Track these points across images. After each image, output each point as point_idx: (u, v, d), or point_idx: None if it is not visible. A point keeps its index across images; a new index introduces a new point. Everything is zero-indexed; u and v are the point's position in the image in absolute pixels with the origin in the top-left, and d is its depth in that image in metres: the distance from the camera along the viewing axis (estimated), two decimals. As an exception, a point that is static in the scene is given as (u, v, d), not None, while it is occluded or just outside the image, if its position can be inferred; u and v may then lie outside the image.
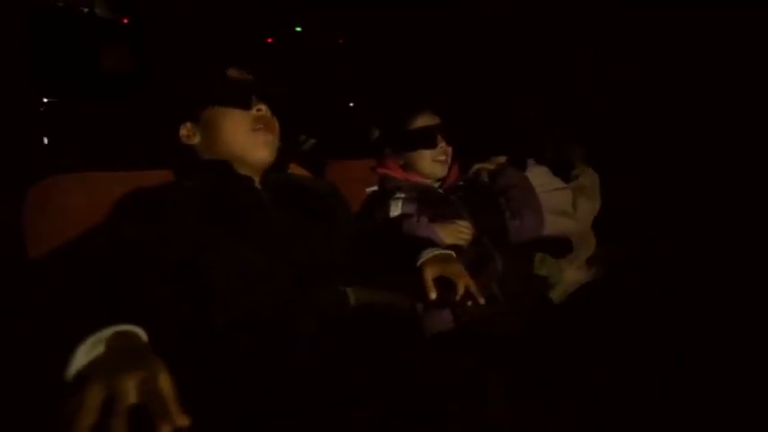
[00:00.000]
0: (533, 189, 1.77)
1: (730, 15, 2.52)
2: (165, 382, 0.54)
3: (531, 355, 1.26)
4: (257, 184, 0.98)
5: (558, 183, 1.97)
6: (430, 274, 0.94)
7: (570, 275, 1.87)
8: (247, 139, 0.95)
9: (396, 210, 1.43)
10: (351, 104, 4.43)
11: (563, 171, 2.01)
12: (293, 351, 0.83)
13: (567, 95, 2.99)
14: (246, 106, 0.95)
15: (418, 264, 0.97)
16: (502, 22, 3.56)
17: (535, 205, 1.69)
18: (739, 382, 1.24)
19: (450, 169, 1.59)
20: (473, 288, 0.94)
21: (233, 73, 0.98)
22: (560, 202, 1.95)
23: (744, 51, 2.51)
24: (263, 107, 0.98)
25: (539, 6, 3.32)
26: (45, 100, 2.99)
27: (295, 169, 1.22)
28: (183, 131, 0.99)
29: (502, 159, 1.78)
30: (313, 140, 3.31)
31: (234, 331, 0.82)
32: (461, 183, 1.62)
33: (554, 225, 1.88)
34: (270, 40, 4.37)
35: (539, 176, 1.92)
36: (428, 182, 1.57)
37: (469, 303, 0.94)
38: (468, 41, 3.70)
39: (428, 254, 0.98)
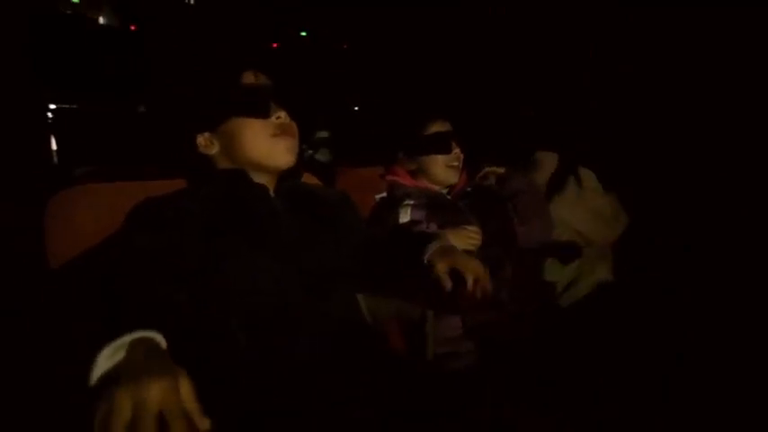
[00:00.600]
0: (542, 194, 1.77)
1: (730, 15, 2.52)
2: (186, 389, 0.57)
3: (534, 356, 1.27)
4: (271, 193, 0.98)
5: (601, 188, 2.00)
6: (442, 268, 0.94)
7: (600, 273, 1.89)
8: (269, 146, 0.95)
9: (405, 216, 1.44)
10: (355, 108, 4.44)
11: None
12: (297, 355, 0.85)
13: (567, 95, 3.00)
14: (265, 115, 0.95)
15: (425, 259, 0.97)
16: (502, 23, 3.57)
17: (543, 211, 1.70)
18: (739, 382, 1.25)
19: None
20: (484, 279, 0.94)
21: (248, 79, 0.97)
22: (604, 207, 1.97)
23: (744, 51, 2.51)
24: (283, 113, 0.97)
25: (539, 6, 3.33)
26: (53, 106, 3.02)
27: (307, 178, 1.23)
28: (201, 141, 0.98)
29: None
30: (311, 151, 3.31)
31: (244, 335, 0.83)
32: (470, 189, 1.63)
33: (591, 228, 1.90)
34: (275, 45, 4.39)
35: (591, 179, 1.95)
36: (437, 188, 1.58)
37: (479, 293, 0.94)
38: (468, 43, 3.71)
39: (432, 247, 0.99)
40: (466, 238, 1.39)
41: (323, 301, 0.90)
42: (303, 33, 4.54)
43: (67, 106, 3.05)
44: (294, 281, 0.89)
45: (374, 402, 0.82)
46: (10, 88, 2.69)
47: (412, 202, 1.46)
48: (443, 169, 1.53)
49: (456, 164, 1.54)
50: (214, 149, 0.98)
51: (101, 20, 3.36)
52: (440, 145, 1.51)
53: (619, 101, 2.83)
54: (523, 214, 1.61)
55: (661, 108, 2.71)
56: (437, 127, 1.54)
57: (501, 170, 1.74)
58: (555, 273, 1.82)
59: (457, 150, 1.54)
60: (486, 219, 1.50)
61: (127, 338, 0.61)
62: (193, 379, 0.84)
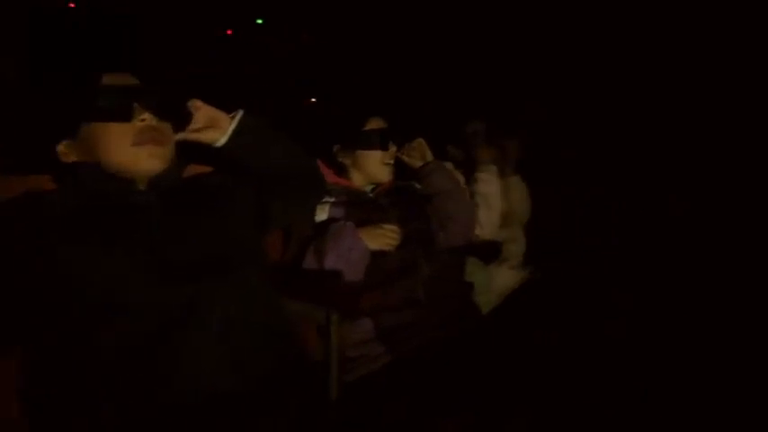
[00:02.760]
0: (464, 194, 1.72)
1: (730, 15, 2.52)
2: None
3: (534, 356, 1.24)
4: (141, 187, 0.89)
5: (487, 174, 1.90)
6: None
7: (501, 279, 1.84)
8: (130, 155, 0.85)
9: (323, 214, 1.42)
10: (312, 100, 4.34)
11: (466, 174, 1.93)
12: (176, 391, 0.75)
13: (567, 96, 2.99)
14: (126, 119, 0.85)
15: None
16: (502, 22, 3.57)
17: (466, 211, 1.67)
18: (739, 382, 1.23)
19: None
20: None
21: (109, 80, 0.87)
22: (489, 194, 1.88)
23: (744, 51, 2.51)
24: (147, 116, 0.86)
25: (539, 6, 3.33)
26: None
27: (193, 168, 1.09)
28: (61, 148, 0.89)
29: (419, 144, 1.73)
30: None
31: (119, 351, 0.75)
32: (393, 188, 1.61)
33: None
34: (229, 32, 4.29)
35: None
36: (359, 186, 1.56)
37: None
38: (467, 42, 3.71)
39: None
40: (382, 236, 1.38)
41: (210, 314, 0.79)
42: (259, 21, 4.39)
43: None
44: (175, 280, 0.79)
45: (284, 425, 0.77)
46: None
47: (331, 200, 1.44)
48: (378, 166, 1.52)
49: (391, 162, 1.54)
50: (72, 158, 0.89)
51: None
52: (379, 141, 1.51)
53: (619, 101, 2.83)
54: (442, 217, 1.59)
55: (661, 108, 2.70)
56: (375, 123, 1.53)
57: (429, 155, 1.67)
58: (476, 273, 1.72)
59: (393, 148, 1.54)
60: (406, 218, 1.49)
61: None
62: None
